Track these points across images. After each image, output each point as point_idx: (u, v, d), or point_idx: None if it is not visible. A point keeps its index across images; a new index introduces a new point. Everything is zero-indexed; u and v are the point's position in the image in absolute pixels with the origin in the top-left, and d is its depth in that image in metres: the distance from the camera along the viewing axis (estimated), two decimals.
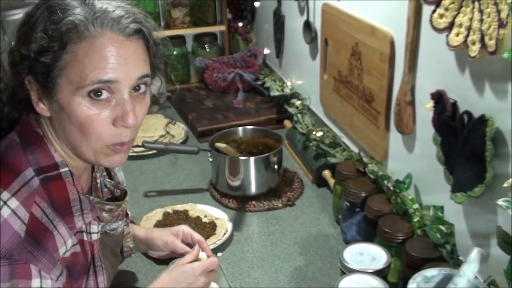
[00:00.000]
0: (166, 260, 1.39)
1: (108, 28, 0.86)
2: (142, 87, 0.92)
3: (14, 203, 0.85)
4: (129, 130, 0.91)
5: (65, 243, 0.90)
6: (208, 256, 1.25)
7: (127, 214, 1.21)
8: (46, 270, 0.85)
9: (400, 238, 1.30)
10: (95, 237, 1.00)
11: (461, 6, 1.04)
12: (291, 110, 2.07)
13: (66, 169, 0.93)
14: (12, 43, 0.90)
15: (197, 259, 1.22)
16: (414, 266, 1.18)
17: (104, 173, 1.11)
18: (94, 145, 0.90)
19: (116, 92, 0.88)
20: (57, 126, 0.92)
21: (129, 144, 0.95)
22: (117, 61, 0.86)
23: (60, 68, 0.85)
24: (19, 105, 0.94)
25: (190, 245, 1.31)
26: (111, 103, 0.88)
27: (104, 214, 1.03)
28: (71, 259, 0.93)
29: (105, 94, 0.87)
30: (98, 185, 1.07)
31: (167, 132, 2.22)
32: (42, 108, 0.90)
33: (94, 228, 1.00)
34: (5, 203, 0.84)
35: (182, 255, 1.27)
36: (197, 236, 1.31)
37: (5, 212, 0.83)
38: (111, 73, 0.86)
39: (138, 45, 0.90)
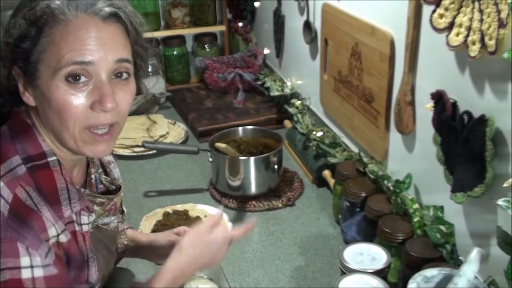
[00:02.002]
0: None
1: (83, 11, 0.87)
2: (124, 74, 0.92)
3: None
4: (108, 113, 0.90)
5: (53, 225, 0.89)
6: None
7: (122, 211, 1.21)
8: (33, 246, 0.84)
9: (400, 238, 1.30)
10: (85, 228, 0.99)
11: (461, 6, 1.04)
12: (291, 110, 2.07)
13: (54, 158, 0.93)
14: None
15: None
16: (414, 266, 1.18)
17: (100, 170, 1.11)
18: (72, 130, 0.89)
19: (94, 75, 0.88)
20: (42, 115, 0.92)
21: (112, 133, 0.94)
22: (93, 43, 0.86)
23: (39, 52, 0.86)
24: (10, 98, 0.95)
25: None
26: (89, 86, 0.88)
27: (96, 208, 1.03)
28: (67, 246, 0.93)
29: (82, 78, 0.87)
30: (93, 181, 1.07)
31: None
32: (28, 97, 0.91)
33: (85, 219, 0.99)
34: None
35: None
36: None
37: None
38: (87, 54, 0.86)
39: (115, 28, 0.90)
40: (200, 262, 1.11)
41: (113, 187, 1.11)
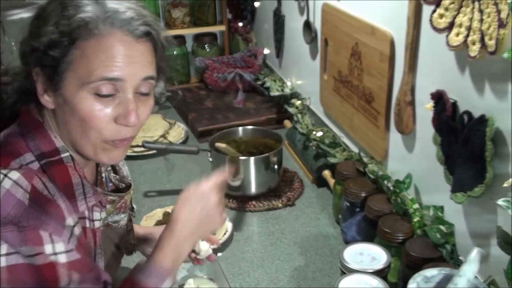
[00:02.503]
0: None
1: (117, 28, 0.88)
2: (147, 88, 0.94)
3: (15, 175, 0.85)
4: (130, 128, 0.92)
5: (70, 215, 0.90)
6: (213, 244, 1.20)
7: (132, 208, 1.21)
8: (56, 233, 0.85)
9: (400, 238, 1.30)
10: (97, 224, 1.00)
11: (461, 6, 1.04)
12: (291, 110, 2.07)
13: (67, 154, 0.94)
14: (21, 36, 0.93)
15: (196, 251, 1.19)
16: (414, 266, 1.18)
17: (109, 168, 1.12)
18: (94, 140, 0.91)
19: (121, 91, 0.90)
20: (59, 119, 0.93)
21: (130, 140, 0.96)
22: (124, 60, 0.88)
23: (68, 63, 0.87)
24: (24, 96, 0.95)
25: None
26: (115, 101, 0.90)
27: (107, 206, 1.03)
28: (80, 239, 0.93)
29: (110, 92, 0.89)
30: (103, 180, 1.07)
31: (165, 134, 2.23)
32: (47, 100, 0.92)
33: (97, 215, 1.00)
34: (5, 175, 0.85)
35: None
36: None
37: (7, 183, 0.84)
38: (117, 71, 0.87)
39: (146, 47, 0.92)
40: (196, 219, 1.05)
41: (123, 185, 1.12)
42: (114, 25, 0.87)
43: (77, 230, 0.92)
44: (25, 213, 0.83)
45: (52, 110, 0.94)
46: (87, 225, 0.98)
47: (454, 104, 1.14)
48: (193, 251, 1.28)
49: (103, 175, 1.07)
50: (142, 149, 1.99)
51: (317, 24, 1.91)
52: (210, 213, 1.06)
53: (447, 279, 1.05)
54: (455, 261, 1.19)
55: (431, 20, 1.11)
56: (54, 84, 0.89)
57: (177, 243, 1.03)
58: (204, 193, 1.08)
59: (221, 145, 1.78)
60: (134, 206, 1.27)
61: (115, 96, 0.90)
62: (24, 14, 2.03)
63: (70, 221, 0.89)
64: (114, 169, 1.14)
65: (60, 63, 0.87)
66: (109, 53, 0.87)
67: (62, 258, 0.85)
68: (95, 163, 1.05)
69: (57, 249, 0.85)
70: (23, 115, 0.96)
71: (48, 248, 0.84)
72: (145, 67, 0.92)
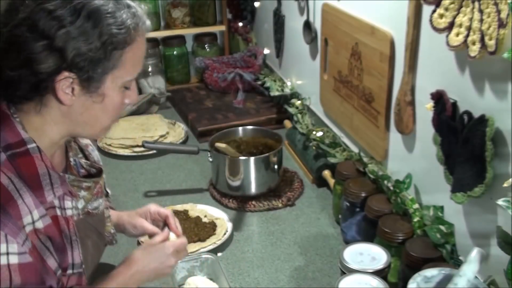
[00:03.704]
0: None
1: (143, 29, 0.98)
2: None
3: None
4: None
5: (30, 213, 0.91)
6: (176, 234, 1.26)
7: (107, 194, 1.22)
8: (12, 234, 0.87)
9: (400, 238, 1.30)
10: (69, 212, 1.01)
11: (461, 6, 1.04)
12: (291, 110, 2.07)
13: (34, 145, 0.95)
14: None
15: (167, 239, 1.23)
16: (414, 266, 1.18)
17: (80, 155, 1.14)
18: (109, 124, 1.03)
19: None
20: (70, 113, 0.96)
21: None
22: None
23: (111, 68, 0.95)
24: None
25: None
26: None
27: (84, 193, 1.06)
28: (45, 230, 0.94)
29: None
30: (72, 164, 1.09)
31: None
32: (70, 98, 0.94)
33: (68, 204, 1.01)
34: None
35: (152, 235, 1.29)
36: (163, 211, 1.33)
37: None
38: (141, 66, 1.01)
39: None
40: (148, 269, 1.16)
41: (94, 170, 1.14)
42: (139, 27, 0.96)
43: (41, 223, 0.93)
44: None
45: (41, 105, 0.94)
46: (58, 213, 0.99)
47: (454, 104, 1.14)
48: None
49: (71, 160, 1.09)
50: (142, 149, 1.99)
51: (317, 24, 1.91)
52: (162, 271, 1.19)
53: (447, 279, 1.05)
54: (455, 261, 1.19)
55: (431, 20, 1.11)
56: (91, 83, 0.94)
57: (126, 283, 1.12)
58: (167, 251, 1.19)
59: (221, 145, 1.78)
60: (109, 191, 1.29)
61: None
62: None
63: (28, 219, 0.91)
64: (84, 154, 1.16)
65: (102, 66, 0.93)
66: (139, 54, 0.99)
67: (14, 259, 0.86)
68: (64, 150, 1.07)
69: (10, 250, 0.86)
70: None
71: (2, 247, 0.85)
72: None
